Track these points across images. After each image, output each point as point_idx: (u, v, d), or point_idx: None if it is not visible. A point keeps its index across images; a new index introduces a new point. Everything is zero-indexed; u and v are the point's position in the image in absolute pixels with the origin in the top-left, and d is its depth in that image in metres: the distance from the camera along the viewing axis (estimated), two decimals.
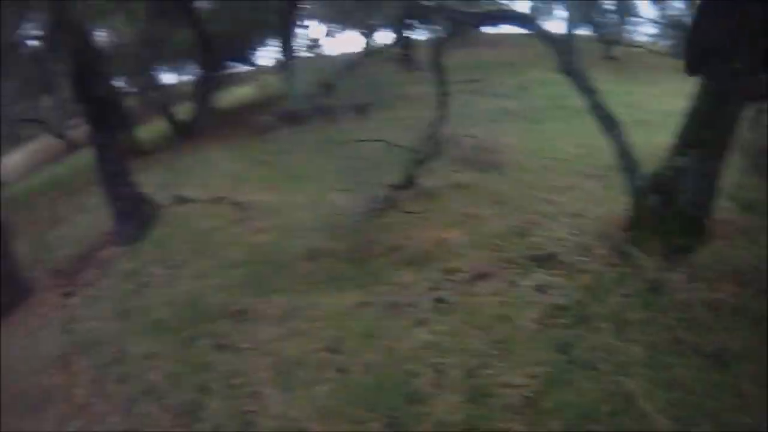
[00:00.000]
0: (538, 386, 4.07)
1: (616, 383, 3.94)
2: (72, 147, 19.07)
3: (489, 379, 4.24)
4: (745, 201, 6.00)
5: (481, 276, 5.52)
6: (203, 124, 15.41)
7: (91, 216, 10.74)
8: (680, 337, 4.24)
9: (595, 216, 6.19)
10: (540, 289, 5.11)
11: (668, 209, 5.13)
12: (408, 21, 17.04)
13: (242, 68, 19.67)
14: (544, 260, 5.51)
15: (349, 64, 17.80)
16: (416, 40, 18.81)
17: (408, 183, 7.73)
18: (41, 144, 21.99)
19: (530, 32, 6.29)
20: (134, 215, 9.25)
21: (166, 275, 7.43)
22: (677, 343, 4.20)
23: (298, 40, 17.89)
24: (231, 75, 18.61)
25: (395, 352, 4.73)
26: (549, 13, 18.98)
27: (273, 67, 19.19)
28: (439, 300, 5.29)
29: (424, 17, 14.29)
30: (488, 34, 18.89)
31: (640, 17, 18.93)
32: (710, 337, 4.19)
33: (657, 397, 3.77)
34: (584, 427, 3.71)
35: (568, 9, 17.52)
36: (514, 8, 8.29)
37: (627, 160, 5.45)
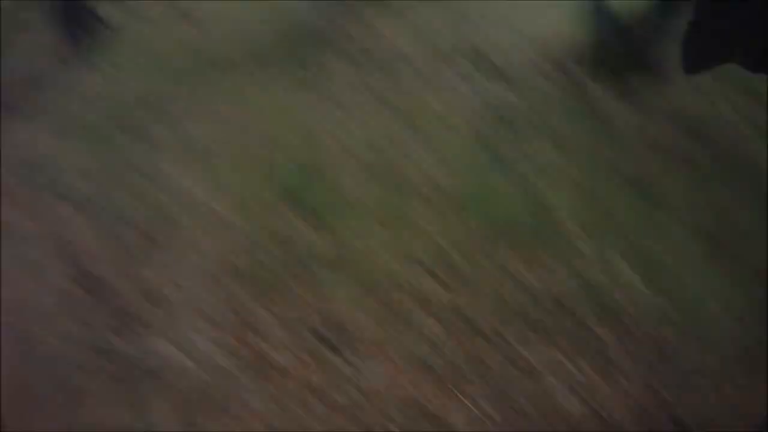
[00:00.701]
0: (461, 186, 4.03)
1: (542, 196, 3.94)
2: None
3: (412, 170, 4.18)
4: None
5: (424, 78, 5.28)
6: None
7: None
8: (616, 167, 4.24)
9: (551, 37, 5.95)
10: (483, 96, 4.91)
11: (628, 46, 5.08)
12: None
13: None
14: (492, 70, 5.26)
15: None
16: None
17: None
18: None
19: None
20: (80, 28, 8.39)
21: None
22: (611, 171, 4.20)
23: None
24: None
25: (324, 148, 4.59)
26: None
27: None
28: (378, 98, 5.06)
29: None
30: None
31: None
32: (645, 172, 4.20)
33: (578, 215, 3.82)
34: (497, 228, 3.74)
35: None
36: None
37: None
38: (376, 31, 6.06)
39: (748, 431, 3.22)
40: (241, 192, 4.22)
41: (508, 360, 3.27)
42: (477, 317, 3.43)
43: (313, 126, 4.78)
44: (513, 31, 5.91)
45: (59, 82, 8.05)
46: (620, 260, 3.64)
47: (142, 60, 7.52)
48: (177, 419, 3.17)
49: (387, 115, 4.77)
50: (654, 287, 3.52)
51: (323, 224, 3.89)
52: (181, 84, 5.79)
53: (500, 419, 3.06)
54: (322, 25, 6.78)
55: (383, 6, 6.63)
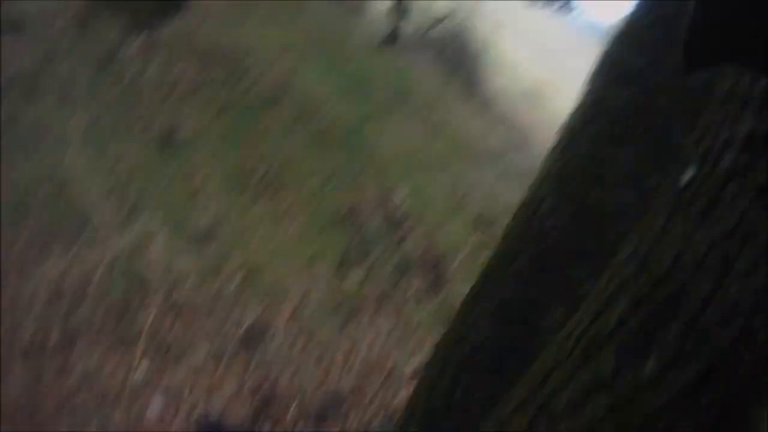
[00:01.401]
0: None
1: (55, 165, 3.63)
2: None
3: None
4: None
5: None
6: None
7: None
8: (129, 116, 3.99)
9: None
10: None
11: None
12: None
13: None
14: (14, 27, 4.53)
15: None
16: None
17: None
18: None
19: None
20: None
21: None
22: (125, 122, 4.06)
23: None
24: None
25: None
26: None
27: None
28: None
29: None
30: None
31: None
32: (161, 118, 4.14)
33: (99, 183, 3.64)
34: (16, 218, 3.28)
35: None
36: None
37: None
38: None
39: None
40: None
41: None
42: None
43: None
44: None
45: None
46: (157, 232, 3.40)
47: None
48: None
49: None
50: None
51: None
52: None
53: None
54: None
55: None
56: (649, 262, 1.19)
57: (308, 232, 3.92)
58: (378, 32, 8.92)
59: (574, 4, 10.15)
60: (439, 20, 9.19)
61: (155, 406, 2.78)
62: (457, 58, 9.08)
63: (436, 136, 6.47)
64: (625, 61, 1.98)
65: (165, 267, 3.20)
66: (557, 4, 10.18)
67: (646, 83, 1.90)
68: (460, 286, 4.01)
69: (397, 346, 3.51)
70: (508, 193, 5.99)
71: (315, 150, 4.85)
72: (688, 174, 1.18)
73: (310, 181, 4.39)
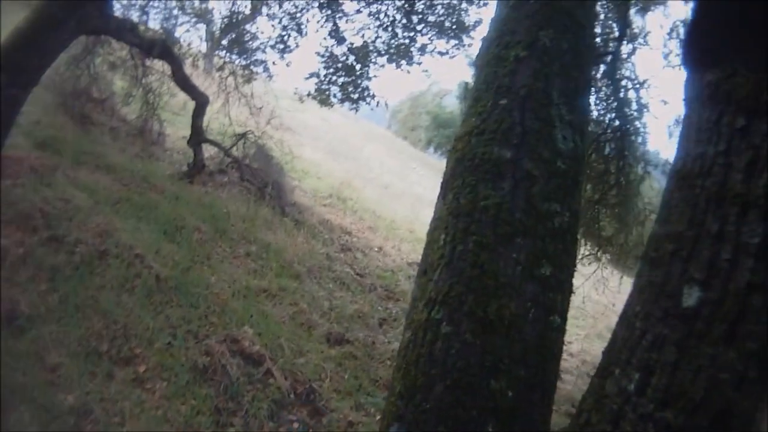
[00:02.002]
0: None
1: None
2: None
3: None
4: (41, 138, 6.13)
5: None
6: None
7: None
8: None
9: None
10: None
11: None
12: None
13: None
14: None
15: None
16: None
17: None
18: None
19: None
20: None
21: None
22: None
23: None
24: None
25: None
26: None
27: None
28: None
29: None
30: None
31: None
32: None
33: None
34: None
35: None
36: None
37: None
38: None
39: None
40: None
41: None
42: None
43: None
44: None
45: None
46: None
47: None
48: None
49: None
50: None
51: None
52: None
53: None
54: None
55: None
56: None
57: (175, 393, 3.88)
58: (181, 166, 9.01)
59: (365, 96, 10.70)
60: (238, 139, 9.46)
61: None
62: (261, 174, 9.40)
63: (263, 263, 6.66)
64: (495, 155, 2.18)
65: None
66: (347, 103, 10.83)
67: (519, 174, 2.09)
68: (339, 411, 4.20)
69: None
70: (350, 304, 6.33)
71: (152, 306, 4.82)
72: (693, 297, 1.36)
73: (158, 341, 4.36)
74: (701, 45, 0.83)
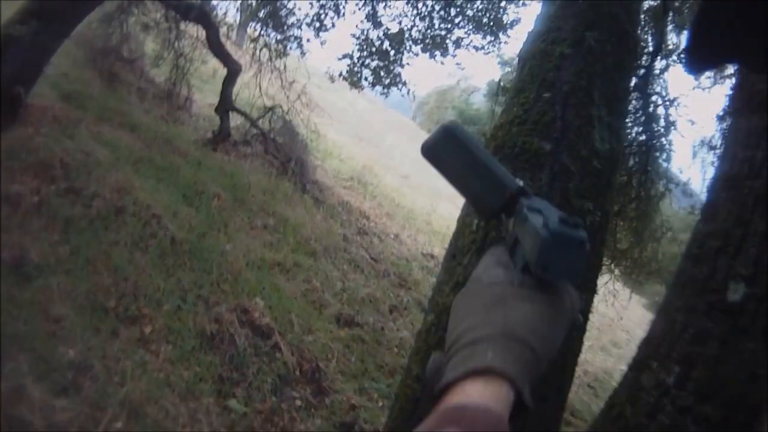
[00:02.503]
0: None
1: None
2: None
3: None
4: (66, 91, 5.96)
5: None
6: None
7: None
8: None
9: None
10: None
11: None
12: None
13: None
14: None
15: None
16: None
17: None
18: None
19: None
20: None
21: None
22: None
23: None
24: None
25: None
26: None
27: None
28: None
29: None
30: None
31: None
32: (9, 243, 3.91)
33: None
34: None
35: None
36: None
37: None
38: None
39: None
40: None
41: None
42: None
43: None
44: None
45: None
46: None
47: None
48: None
49: None
50: None
51: None
52: None
53: None
54: None
55: None
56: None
57: (179, 357, 3.79)
58: (206, 133, 8.95)
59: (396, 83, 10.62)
60: (266, 111, 9.39)
61: None
62: (286, 149, 9.31)
63: (280, 237, 6.57)
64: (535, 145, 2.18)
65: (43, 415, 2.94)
66: (378, 88, 10.73)
67: None
68: (342, 392, 4.09)
69: None
70: (362, 288, 6.22)
71: (164, 267, 4.74)
72: (739, 292, 1.34)
73: (167, 304, 4.27)
74: (703, 45, 0.78)
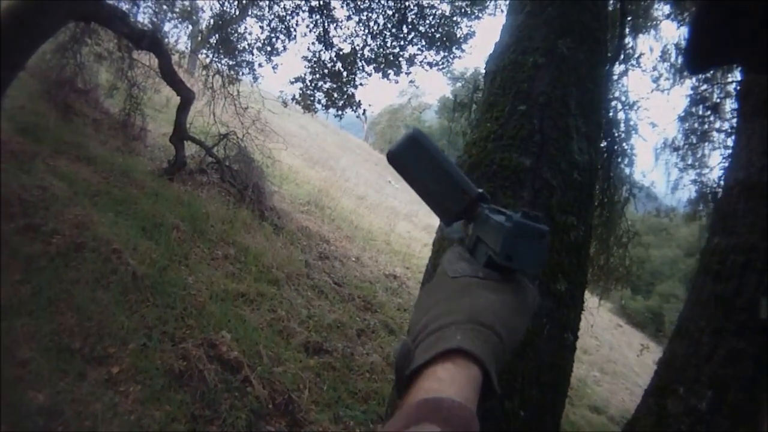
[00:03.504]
0: None
1: None
2: None
3: None
4: (23, 124, 5.95)
5: None
6: None
7: None
8: None
9: None
10: None
11: None
12: None
13: None
14: None
15: None
16: None
17: None
18: None
19: None
20: None
21: None
22: None
23: None
24: None
25: None
26: None
27: None
28: None
29: None
30: None
31: None
32: None
33: None
34: None
35: None
36: None
37: None
38: None
39: None
40: None
41: None
42: None
43: None
44: None
45: None
46: None
47: None
48: None
49: None
50: None
51: None
52: None
53: None
54: None
55: None
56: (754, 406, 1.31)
57: (149, 397, 3.73)
58: (162, 163, 8.86)
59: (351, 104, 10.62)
60: (220, 138, 9.34)
61: None
62: (242, 176, 9.27)
63: (242, 267, 6.54)
64: (514, 162, 2.16)
65: None
66: (331, 110, 10.73)
67: None
68: (318, 423, 4.08)
69: None
70: (328, 314, 6.22)
71: (127, 304, 4.67)
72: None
73: (132, 342, 4.21)
74: (703, 45, 0.82)
